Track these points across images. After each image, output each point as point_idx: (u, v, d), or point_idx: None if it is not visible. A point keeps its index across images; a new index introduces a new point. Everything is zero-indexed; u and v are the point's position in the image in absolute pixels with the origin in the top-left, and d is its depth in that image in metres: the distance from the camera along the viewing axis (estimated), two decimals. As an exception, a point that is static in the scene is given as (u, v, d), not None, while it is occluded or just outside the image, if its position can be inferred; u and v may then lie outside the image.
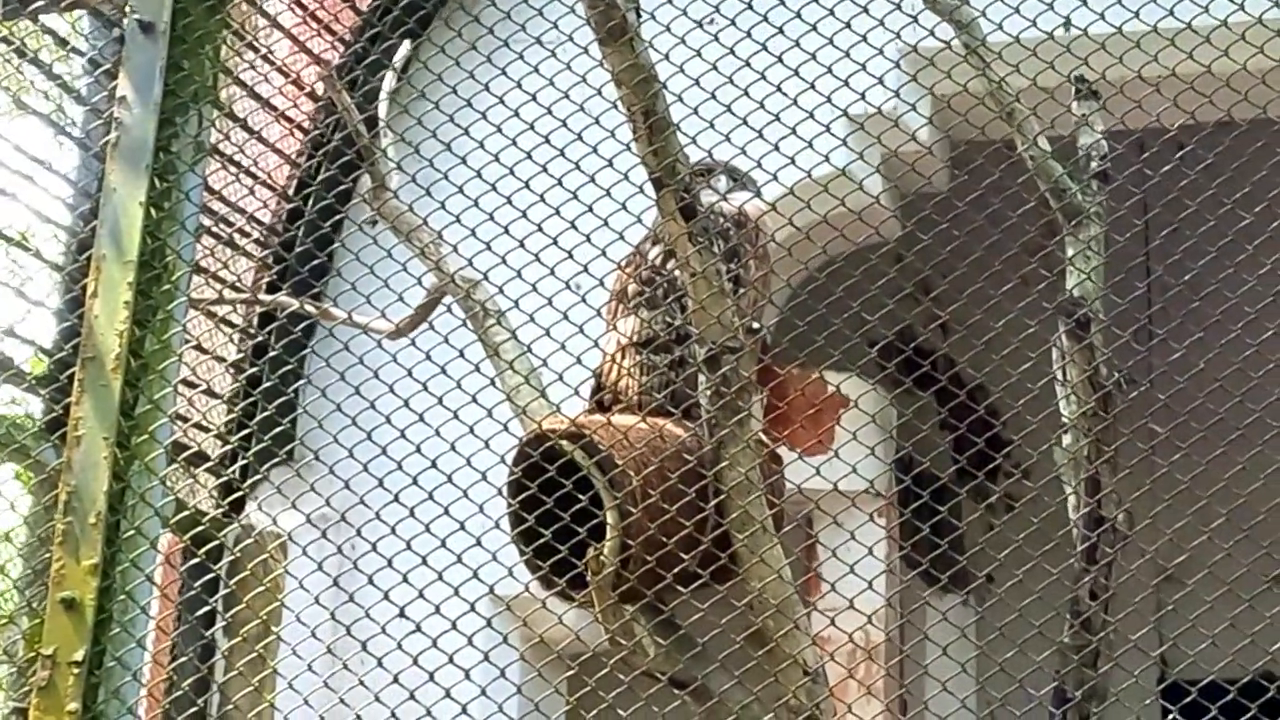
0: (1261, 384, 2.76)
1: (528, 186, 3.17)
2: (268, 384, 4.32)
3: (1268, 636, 2.70)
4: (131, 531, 3.02)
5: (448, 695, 2.91)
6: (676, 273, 3.19)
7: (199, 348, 4.89)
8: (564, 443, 3.04)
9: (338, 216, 4.68)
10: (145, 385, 3.13)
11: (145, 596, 3.03)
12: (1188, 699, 2.64)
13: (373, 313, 3.62)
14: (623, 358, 3.35)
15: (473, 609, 3.02)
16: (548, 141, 3.14)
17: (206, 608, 4.36)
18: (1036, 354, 2.95)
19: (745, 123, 3.06)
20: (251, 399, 4.67)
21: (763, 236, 3.42)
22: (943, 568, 2.97)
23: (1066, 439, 3.12)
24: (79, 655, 2.94)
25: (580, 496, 2.96)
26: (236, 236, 5.00)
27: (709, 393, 2.95)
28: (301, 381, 3.68)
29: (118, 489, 3.04)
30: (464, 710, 2.92)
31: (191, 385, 4.66)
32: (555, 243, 3.10)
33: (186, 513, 3.65)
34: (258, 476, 4.65)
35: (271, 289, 5.01)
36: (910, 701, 4.83)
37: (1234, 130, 3.10)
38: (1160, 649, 2.98)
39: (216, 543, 4.08)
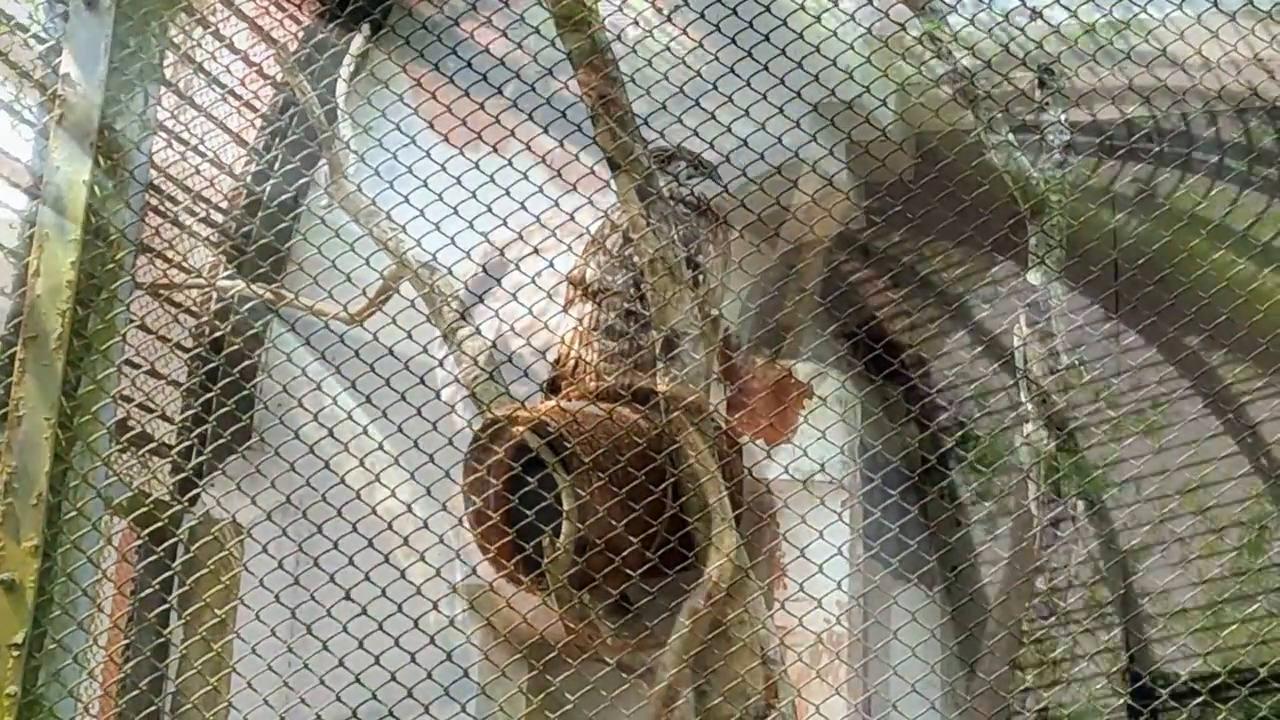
0: (1215, 368, 2.75)
1: (477, 167, 3.13)
2: (215, 363, 4.27)
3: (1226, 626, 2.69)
4: (73, 513, 2.97)
5: (392, 677, 2.87)
6: (635, 259, 3.15)
7: (144, 327, 4.82)
8: (518, 427, 3.01)
9: (285, 195, 4.62)
10: (88, 365, 3.07)
11: (87, 579, 2.98)
12: (1139, 683, 2.63)
13: (327, 298, 3.57)
14: (579, 343, 3.32)
15: (419, 592, 2.98)
16: (498, 121, 3.11)
17: (159, 581, 4.29)
18: (989, 337, 2.94)
19: (698, 103, 3.03)
20: (197, 377, 4.61)
21: (720, 221, 3.40)
22: (897, 552, 2.96)
23: (1027, 426, 3.11)
24: (19, 638, 2.89)
25: (529, 479, 2.93)
26: (185, 215, 4.93)
27: (664, 375, 2.92)
28: (249, 362, 3.62)
29: (59, 470, 2.99)
30: (409, 693, 2.89)
31: (135, 365, 4.59)
32: (505, 224, 3.06)
33: (131, 493, 3.59)
34: (203, 456, 4.60)
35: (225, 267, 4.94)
36: (873, 684, 4.81)
37: (1189, 114, 3.09)
38: (1113, 633, 2.98)
39: (161, 524, 4.01)
